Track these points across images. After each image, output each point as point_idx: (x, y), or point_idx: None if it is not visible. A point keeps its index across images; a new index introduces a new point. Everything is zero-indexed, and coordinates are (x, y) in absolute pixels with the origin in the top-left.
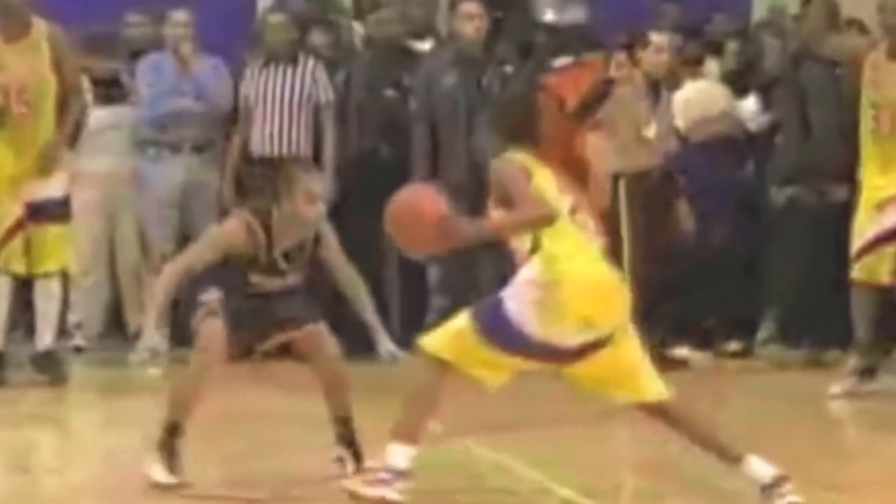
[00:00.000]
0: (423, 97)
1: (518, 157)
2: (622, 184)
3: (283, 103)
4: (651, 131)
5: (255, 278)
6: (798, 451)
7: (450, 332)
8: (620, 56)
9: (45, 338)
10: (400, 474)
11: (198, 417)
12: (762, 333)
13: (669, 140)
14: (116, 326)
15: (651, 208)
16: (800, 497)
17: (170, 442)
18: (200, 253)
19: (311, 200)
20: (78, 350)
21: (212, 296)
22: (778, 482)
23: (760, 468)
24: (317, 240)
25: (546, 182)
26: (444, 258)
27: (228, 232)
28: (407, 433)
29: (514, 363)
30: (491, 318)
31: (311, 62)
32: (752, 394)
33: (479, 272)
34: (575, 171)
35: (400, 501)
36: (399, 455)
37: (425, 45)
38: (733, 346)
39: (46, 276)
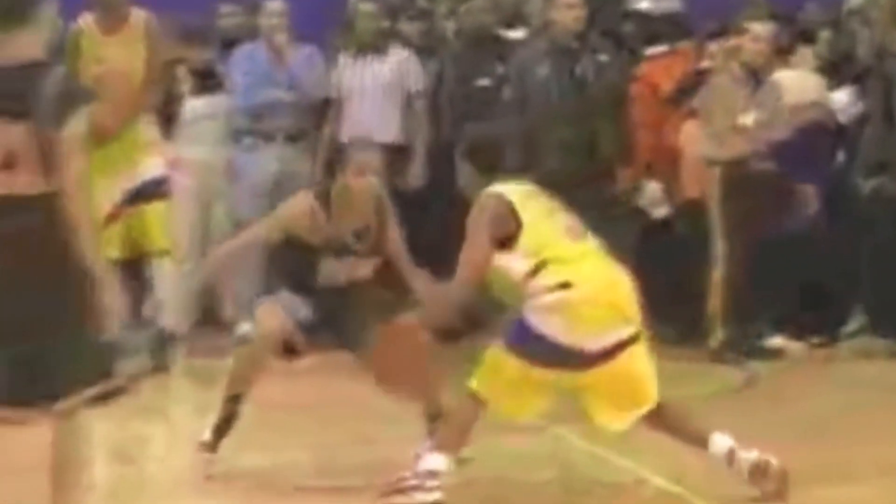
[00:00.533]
0: (517, 86)
1: (503, 194)
2: (717, 172)
3: (374, 93)
4: (748, 119)
5: (326, 266)
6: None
7: (485, 365)
8: (713, 46)
9: (165, 318)
10: (433, 474)
11: (291, 405)
12: (851, 324)
13: (775, 128)
14: (210, 315)
15: (751, 197)
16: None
17: (229, 406)
18: (260, 231)
19: (361, 172)
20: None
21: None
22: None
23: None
24: (381, 222)
25: (536, 214)
26: None
27: (289, 210)
28: (446, 446)
29: (544, 380)
30: (517, 333)
31: (402, 52)
32: (841, 384)
33: None
34: (665, 157)
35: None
36: (434, 461)
37: (517, 34)
38: (817, 337)
39: (160, 254)
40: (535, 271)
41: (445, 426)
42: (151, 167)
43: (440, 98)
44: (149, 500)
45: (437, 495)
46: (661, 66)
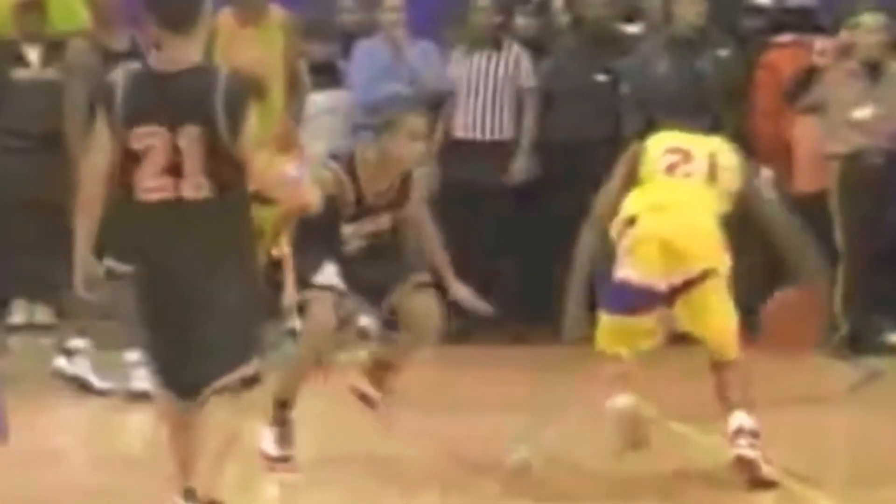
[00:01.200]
0: (636, 82)
1: (644, 140)
2: (835, 166)
3: (486, 88)
4: (865, 113)
5: (347, 228)
6: None
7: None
8: (820, 42)
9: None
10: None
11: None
12: None
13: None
14: None
15: (871, 190)
16: None
17: (281, 415)
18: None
19: (414, 138)
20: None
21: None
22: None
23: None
24: (406, 181)
25: (656, 153)
26: None
27: (319, 179)
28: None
29: (638, 326)
30: (606, 290)
31: (514, 48)
32: None
33: None
34: (780, 148)
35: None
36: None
37: (635, 29)
38: None
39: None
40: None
41: (602, 383)
42: (290, 166)
43: (556, 92)
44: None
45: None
46: (786, 54)
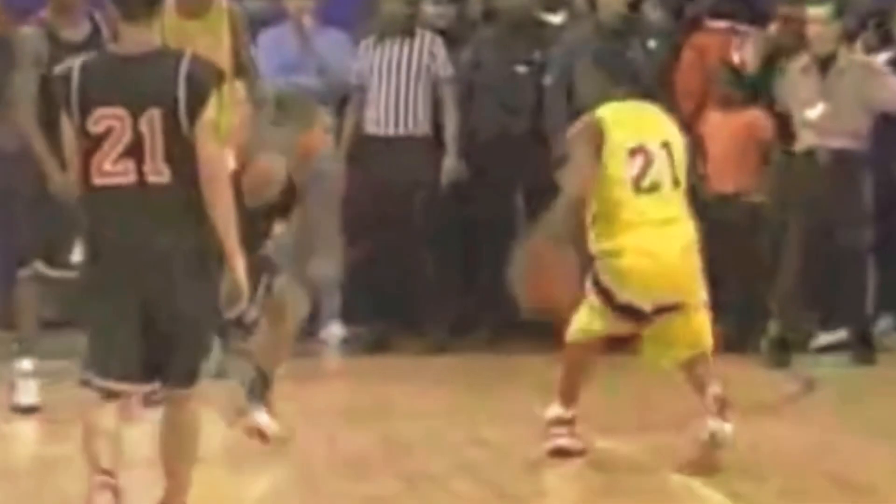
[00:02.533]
0: (561, 73)
1: (596, 112)
2: (784, 164)
3: (398, 80)
4: (816, 111)
5: (279, 227)
6: None
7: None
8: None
9: None
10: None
11: (320, 412)
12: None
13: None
14: None
15: (818, 191)
16: None
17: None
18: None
19: (326, 131)
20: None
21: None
22: None
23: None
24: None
25: (616, 145)
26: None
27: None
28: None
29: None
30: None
31: (427, 36)
32: None
33: None
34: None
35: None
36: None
37: (557, 18)
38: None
39: None
40: (593, 221)
41: (563, 378)
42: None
43: (475, 85)
44: None
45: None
46: (717, 40)
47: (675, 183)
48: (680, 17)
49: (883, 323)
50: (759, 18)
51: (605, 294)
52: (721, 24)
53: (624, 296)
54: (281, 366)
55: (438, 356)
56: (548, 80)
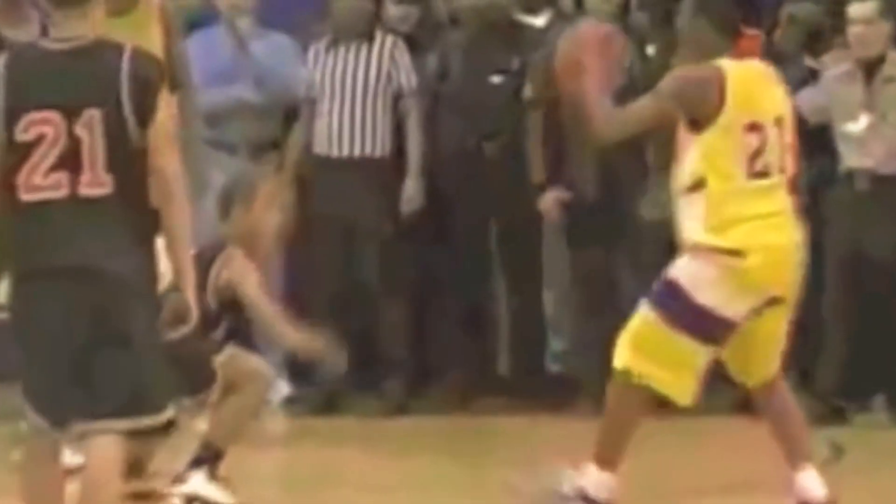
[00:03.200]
0: (542, 83)
1: (722, 66)
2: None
3: (354, 92)
4: (859, 125)
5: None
6: None
7: (630, 334)
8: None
9: None
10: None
11: (260, 480)
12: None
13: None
14: None
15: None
16: None
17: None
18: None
19: (272, 205)
20: None
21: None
22: None
23: (808, 484)
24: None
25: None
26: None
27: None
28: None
29: (693, 350)
30: (664, 293)
31: (389, 40)
32: None
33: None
34: None
35: None
36: (593, 478)
37: (539, 20)
38: None
39: None
40: (694, 187)
41: (602, 433)
42: None
43: (442, 98)
44: None
45: None
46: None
47: (782, 171)
48: (668, 23)
49: None
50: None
51: (698, 314)
52: None
53: (734, 307)
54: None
55: (396, 418)
56: (527, 91)
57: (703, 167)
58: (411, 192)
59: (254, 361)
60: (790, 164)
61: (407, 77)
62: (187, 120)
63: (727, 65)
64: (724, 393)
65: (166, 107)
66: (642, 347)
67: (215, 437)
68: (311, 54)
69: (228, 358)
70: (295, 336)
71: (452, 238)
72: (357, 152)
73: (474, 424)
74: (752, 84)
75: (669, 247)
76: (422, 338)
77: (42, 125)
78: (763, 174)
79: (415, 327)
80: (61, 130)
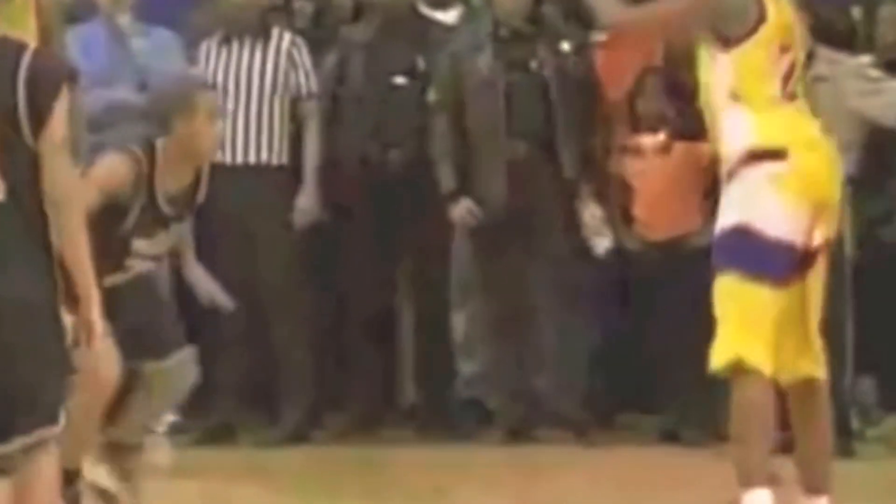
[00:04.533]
0: (448, 85)
1: None
2: None
3: (249, 94)
4: None
5: (139, 244)
6: None
7: (721, 317)
8: None
9: None
10: None
11: None
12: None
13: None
14: None
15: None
16: None
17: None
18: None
19: (212, 120)
20: None
21: None
22: None
23: None
24: (197, 182)
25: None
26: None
27: (110, 166)
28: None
29: (772, 301)
30: (734, 243)
31: (287, 38)
32: None
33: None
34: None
35: None
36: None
37: (449, 16)
38: None
39: None
40: (732, 103)
41: (735, 446)
42: None
43: (342, 101)
44: None
45: None
46: (613, 57)
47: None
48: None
49: None
50: None
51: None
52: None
53: (793, 225)
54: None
55: (293, 446)
56: (432, 95)
57: (738, 83)
58: (306, 203)
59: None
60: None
61: (306, 79)
62: (72, 123)
63: None
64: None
65: (63, 112)
66: (742, 322)
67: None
68: (202, 52)
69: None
70: None
71: (353, 254)
72: (252, 159)
73: (378, 454)
74: (783, 4)
75: (590, 264)
76: (321, 361)
77: None
78: (794, 97)
79: (314, 349)
80: None
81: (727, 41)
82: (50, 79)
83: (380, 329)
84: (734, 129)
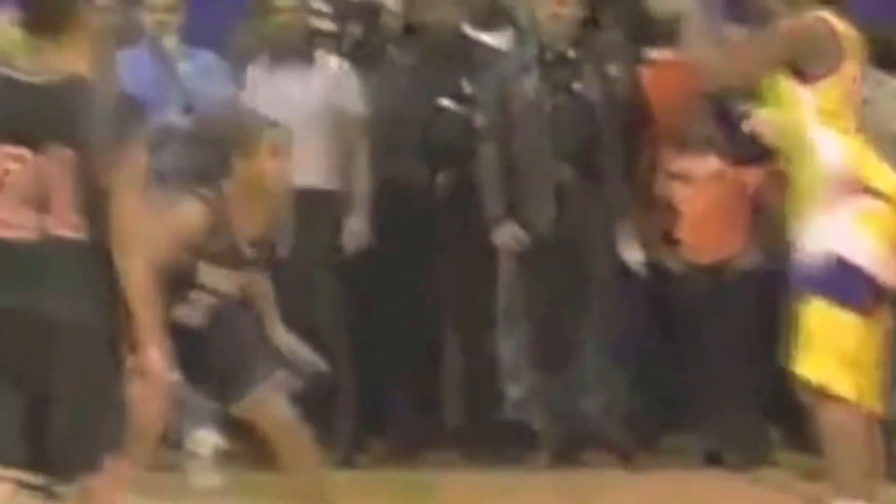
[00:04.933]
0: (495, 110)
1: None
2: None
3: (297, 117)
4: None
5: (209, 276)
6: None
7: (808, 342)
8: None
9: None
10: None
11: None
12: None
13: None
14: None
15: None
16: None
17: None
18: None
19: (275, 156)
20: None
21: None
22: None
23: None
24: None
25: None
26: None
27: (186, 215)
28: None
29: (856, 328)
30: (826, 272)
31: (333, 61)
32: None
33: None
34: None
35: None
36: None
37: (495, 39)
38: None
39: None
40: (818, 130)
41: (832, 463)
42: None
43: (386, 125)
44: None
45: None
46: (660, 77)
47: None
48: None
49: None
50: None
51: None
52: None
53: (871, 257)
54: None
55: (339, 471)
56: (479, 119)
57: (819, 118)
58: (357, 226)
59: None
60: None
61: (354, 103)
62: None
63: (828, 16)
64: None
65: (135, 150)
66: (827, 348)
67: None
68: (248, 77)
69: None
70: None
71: (398, 278)
72: (301, 184)
73: (422, 478)
74: (848, 35)
75: (634, 288)
76: (366, 384)
77: (9, 160)
78: (860, 131)
79: (360, 373)
80: (30, 167)
81: (805, 77)
82: (126, 115)
83: (426, 352)
84: (824, 160)
